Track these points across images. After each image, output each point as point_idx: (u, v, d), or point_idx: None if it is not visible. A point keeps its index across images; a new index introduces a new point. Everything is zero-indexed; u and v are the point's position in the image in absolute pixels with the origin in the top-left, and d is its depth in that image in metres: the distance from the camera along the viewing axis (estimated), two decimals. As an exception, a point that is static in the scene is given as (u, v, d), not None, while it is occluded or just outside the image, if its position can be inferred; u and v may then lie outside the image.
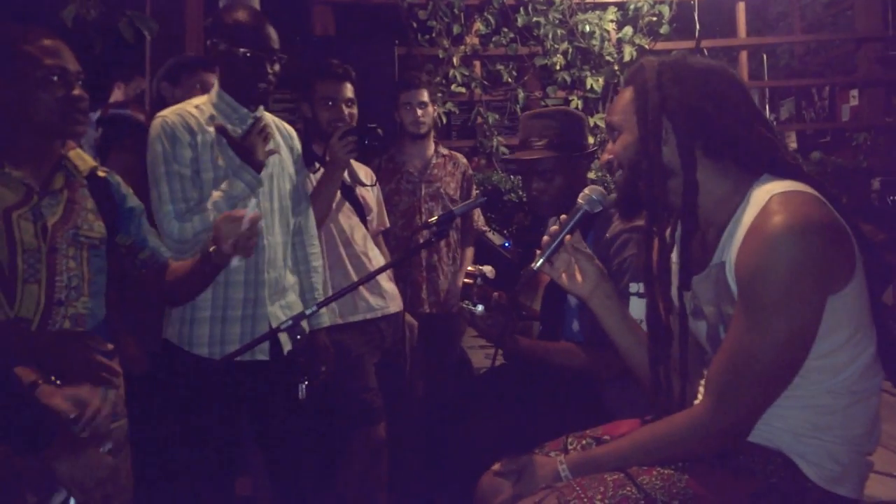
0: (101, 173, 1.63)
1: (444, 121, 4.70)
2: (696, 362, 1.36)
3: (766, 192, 1.17)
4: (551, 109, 2.11)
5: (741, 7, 5.01)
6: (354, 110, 2.44)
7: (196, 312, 1.86)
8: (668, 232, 1.31)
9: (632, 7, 4.66)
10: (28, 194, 1.47)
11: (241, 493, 2.31)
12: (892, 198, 3.69)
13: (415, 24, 4.54)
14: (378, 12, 4.68)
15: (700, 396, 1.34)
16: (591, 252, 1.39)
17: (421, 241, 2.44)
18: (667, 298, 1.31)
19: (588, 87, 4.62)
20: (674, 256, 1.33)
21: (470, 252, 3.08)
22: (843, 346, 1.17)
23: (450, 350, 2.98)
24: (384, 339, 2.50)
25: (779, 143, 1.27)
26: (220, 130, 1.85)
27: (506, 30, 4.64)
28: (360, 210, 2.54)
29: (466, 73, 4.60)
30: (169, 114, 1.87)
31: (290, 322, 1.42)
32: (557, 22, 4.61)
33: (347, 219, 2.49)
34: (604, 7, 4.67)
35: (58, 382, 1.37)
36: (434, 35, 4.56)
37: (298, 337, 1.46)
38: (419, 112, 2.89)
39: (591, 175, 4.45)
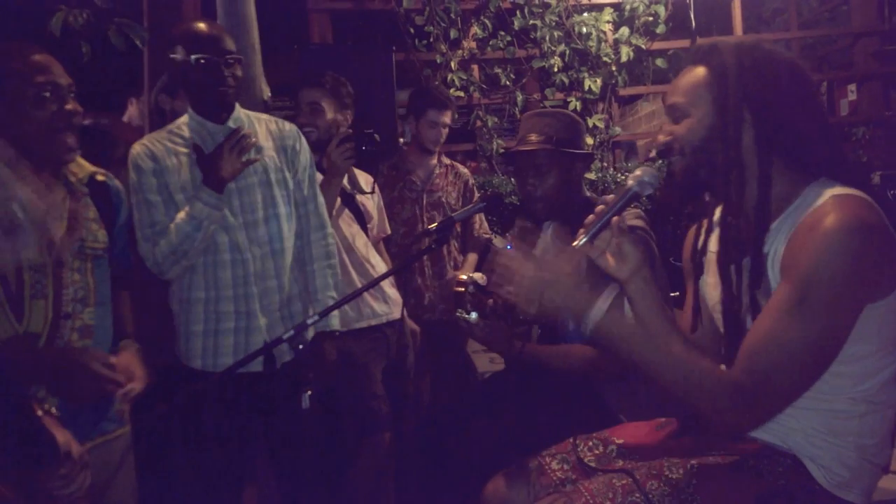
0: (100, 177, 1.64)
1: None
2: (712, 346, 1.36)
3: (823, 193, 1.17)
4: (551, 110, 2.13)
5: (737, 4, 5.01)
6: (344, 116, 2.47)
7: (190, 326, 1.91)
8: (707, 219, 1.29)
9: (628, 7, 4.67)
10: None
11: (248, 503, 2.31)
12: (891, 192, 3.68)
13: (412, 30, 4.55)
14: (375, 19, 4.69)
15: None
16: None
17: (422, 248, 2.44)
18: (728, 282, 1.29)
19: (586, 88, 4.62)
20: (710, 244, 1.32)
21: (472, 258, 3.08)
22: (869, 355, 1.17)
23: (454, 356, 2.99)
24: (389, 345, 2.50)
25: (842, 149, 1.27)
26: (195, 149, 1.88)
27: (503, 33, 4.65)
28: (361, 217, 2.55)
29: (465, 77, 4.60)
30: (137, 144, 1.91)
31: (291, 332, 1.42)
32: (554, 24, 4.62)
33: (349, 226, 2.49)
34: (600, 8, 4.68)
35: (52, 411, 1.37)
36: (431, 40, 4.58)
37: (301, 347, 1.45)
38: (443, 132, 2.97)
39: (591, 175, 4.46)
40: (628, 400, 1.79)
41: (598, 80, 4.62)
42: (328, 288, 2.07)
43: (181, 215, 1.82)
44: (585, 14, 4.65)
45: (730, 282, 1.27)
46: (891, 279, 1.14)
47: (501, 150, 4.54)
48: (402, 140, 2.30)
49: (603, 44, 4.64)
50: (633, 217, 1.79)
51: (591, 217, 1.28)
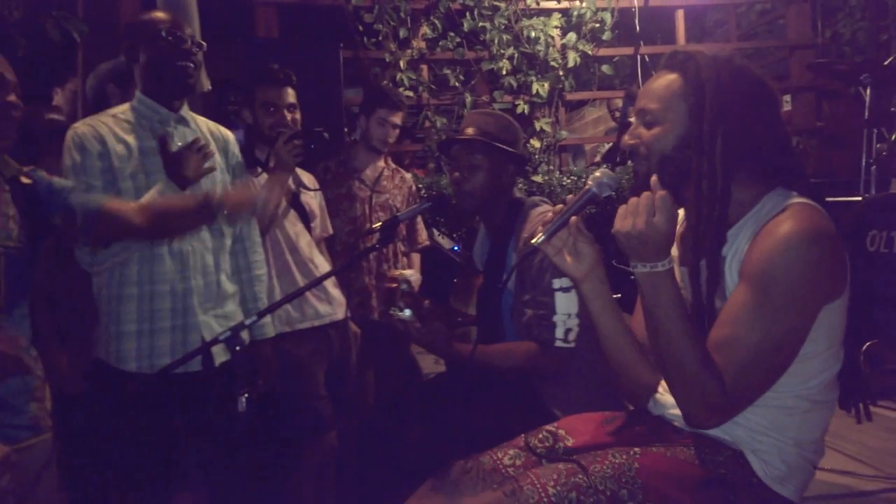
0: (24, 180, 1.56)
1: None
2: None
3: (781, 201, 1.23)
4: (494, 111, 2.14)
5: (680, 14, 5.15)
6: (297, 115, 2.40)
7: (122, 326, 1.79)
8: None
9: (575, 14, 4.74)
10: None
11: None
12: (823, 198, 3.84)
13: (361, 27, 4.51)
14: (323, 14, 4.63)
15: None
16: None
17: (367, 247, 2.42)
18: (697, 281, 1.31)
19: (534, 91, 4.68)
20: (673, 250, 1.35)
21: (417, 258, 3.10)
22: (817, 355, 1.22)
23: (399, 357, 2.97)
24: (332, 345, 2.46)
25: (800, 162, 1.32)
26: (160, 141, 1.80)
27: (452, 34, 4.66)
28: (305, 217, 2.50)
29: (413, 77, 4.59)
30: (81, 125, 1.82)
31: (228, 333, 1.37)
32: (503, 27, 4.65)
33: (293, 225, 2.44)
34: (548, 13, 4.74)
35: None
36: (380, 38, 4.55)
37: (237, 348, 1.40)
38: (392, 132, 2.95)
39: (538, 179, 4.51)
40: (567, 397, 1.81)
41: (546, 84, 4.68)
42: (262, 296, 2.07)
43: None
44: (534, 18, 4.70)
45: (690, 284, 1.30)
46: (842, 283, 1.21)
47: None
48: (351, 137, 2.30)
49: (551, 48, 4.70)
50: None
51: (549, 215, 1.31)
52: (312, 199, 2.58)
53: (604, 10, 4.75)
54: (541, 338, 1.81)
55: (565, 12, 4.77)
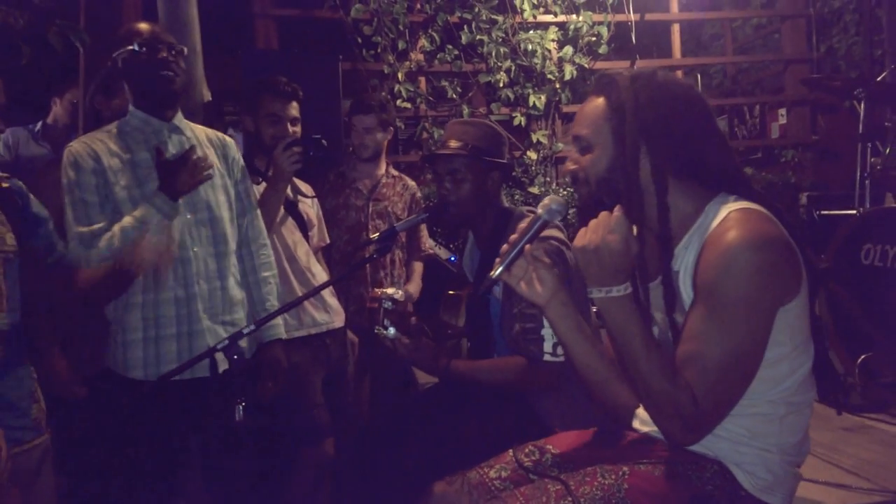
0: (3, 184, 1.58)
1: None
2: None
3: (723, 209, 1.24)
4: (474, 119, 2.15)
5: (676, 29, 5.20)
6: (298, 129, 2.42)
7: (128, 335, 1.81)
8: None
9: (572, 27, 4.78)
10: None
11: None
12: (818, 212, 3.86)
13: (359, 40, 4.54)
14: (322, 26, 4.66)
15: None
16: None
17: (364, 256, 2.42)
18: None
19: (531, 104, 4.71)
20: None
21: (418, 267, 3.08)
22: (785, 357, 1.22)
23: (394, 367, 2.97)
24: (330, 354, 2.47)
25: (737, 165, 1.33)
26: (156, 151, 1.82)
27: (450, 47, 4.69)
28: (303, 225, 2.51)
29: (412, 89, 4.62)
30: (76, 143, 1.85)
31: (226, 342, 1.38)
32: (500, 40, 4.69)
33: (291, 234, 2.46)
34: (545, 27, 4.78)
35: None
36: (379, 51, 4.58)
37: (235, 357, 1.41)
38: (365, 137, 2.92)
39: (534, 190, 4.53)
40: (561, 411, 1.80)
41: (543, 97, 4.71)
42: (270, 298, 2.06)
43: (128, 219, 1.75)
44: (531, 32, 4.74)
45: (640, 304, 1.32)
46: (795, 282, 1.21)
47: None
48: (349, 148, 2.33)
49: (548, 61, 4.73)
50: (551, 228, 1.82)
51: (505, 246, 1.33)
52: (310, 208, 2.59)
53: (600, 23, 4.79)
54: (529, 352, 1.80)
55: (562, 26, 4.81)
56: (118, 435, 1.81)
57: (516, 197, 4.52)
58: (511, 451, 1.46)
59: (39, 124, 3.61)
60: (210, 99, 3.10)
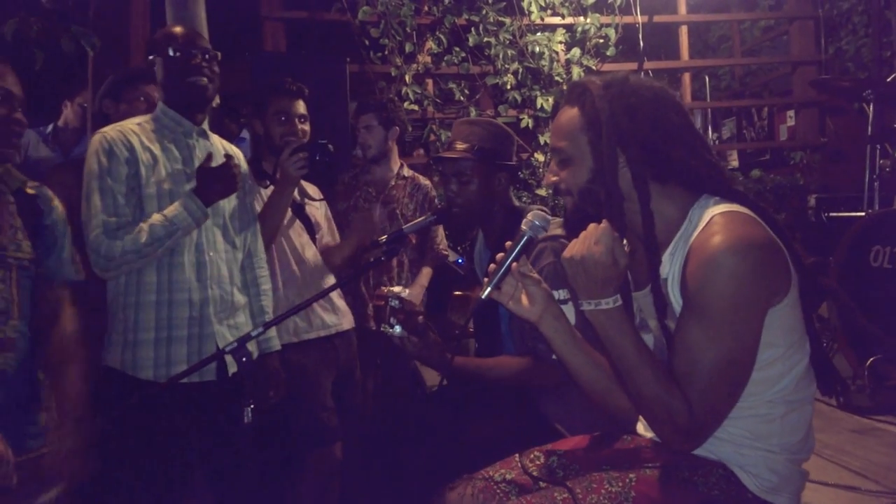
0: (29, 190, 1.58)
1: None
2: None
3: (707, 213, 1.23)
4: (481, 119, 2.15)
5: (684, 31, 5.19)
6: (307, 127, 2.43)
7: (139, 335, 1.80)
8: None
9: (579, 29, 4.78)
10: None
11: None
12: (826, 214, 3.85)
13: (367, 42, 4.56)
14: (330, 29, 4.68)
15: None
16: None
17: (371, 259, 2.43)
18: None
19: (538, 106, 4.71)
20: None
21: (427, 271, 3.05)
22: (779, 357, 1.22)
23: (401, 368, 2.97)
24: (339, 356, 2.47)
25: (718, 165, 1.32)
26: (208, 156, 1.87)
27: (457, 49, 4.70)
28: (311, 228, 2.52)
29: (419, 91, 4.63)
30: (109, 130, 1.85)
31: (234, 344, 1.39)
32: (508, 42, 4.69)
33: (298, 236, 2.47)
34: (553, 29, 4.78)
35: None
36: (386, 53, 4.59)
37: (244, 359, 1.42)
38: (367, 136, 2.95)
39: (542, 192, 4.52)
40: (565, 411, 1.81)
41: (550, 99, 4.71)
42: (268, 311, 2.09)
43: (157, 217, 1.76)
44: (539, 34, 4.74)
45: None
46: (783, 282, 1.20)
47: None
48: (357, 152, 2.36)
49: (555, 63, 4.73)
50: (556, 226, 1.83)
51: (492, 266, 1.34)
52: (317, 210, 2.60)
53: (608, 25, 4.79)
54: (536, 351, 1.81)
55: (570, 28, 4.81)
56: (125, 436, 1.81)
57: (524, 199, 4.52)
58: (517, 456, 1.46)
59: (51, 127, 3.65)
60: (219, 102, 3.11)
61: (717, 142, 6.68)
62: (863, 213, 3.30)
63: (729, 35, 7.31)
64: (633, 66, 4.90)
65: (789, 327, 1.22)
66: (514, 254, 1.32)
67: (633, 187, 1.27)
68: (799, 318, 1.24)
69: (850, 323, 3.10)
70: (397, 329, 1.77)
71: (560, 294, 1.80)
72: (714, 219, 1.20)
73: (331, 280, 2.49)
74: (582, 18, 4.79)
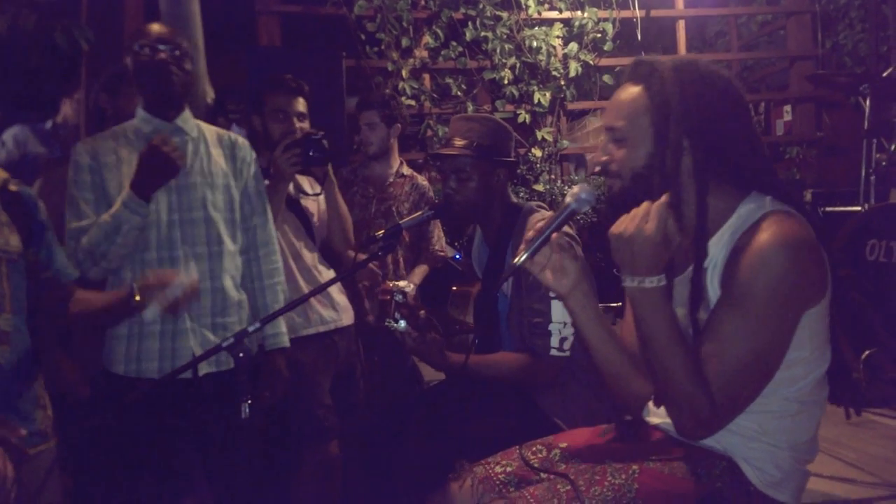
0: (12, 187, 1.58)
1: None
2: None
3: (756, 209, 1.22)
4: (479, 115, 2.14)
5: (681, 25, 5.19)
6: (306, 125, 2.41)
7: (114, 330, 1.84)
8: None
9: (577, 24, 4.78)
10: None
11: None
12: (822, 209, 3.85)
13: (363, 37, 4.54)
14: (325, 23, 4.67)
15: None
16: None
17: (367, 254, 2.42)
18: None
19: (536, 101, 4.70)
20: None
21: (422, 269, 3.02)
22: (803, 359, 1.22)
23: (399, 364, 2.97)
24: (338, 352, 2.46)
25: (771, 164, 1.32)
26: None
27: (454, 43, 4.69)
28: (307, 222, 2.51)
29: (416, 86, 4.62)
30: (80, 143, 1.89)
31: (231, 339, 1.38)
32: (505, 37, 4.68)
33: (294, 232, 2.45)
34: (550, 23, 4.77)
35: None
36: (383, 47, 4.58)
37: (241, 355, 1.41)
38: (368, 133, 2.94)
39: (539, 188, 4.53)
40: (564, 406, 1.81)
41: (548, 94, 4.71)
42: (276, 306, 2.03)
43: (104, 215, 1.78)
44: (536, 28, 4.73)
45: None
46: (822, 286, 1.21)
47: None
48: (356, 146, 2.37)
49: (552, 58, 4.73)
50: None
51: (531, 233, 1.30)
52: (313, 203, 2.58)
53: (605, 20, 4.78)
54: (535, 346, 1.81)
55: (567, 22, 4.80)
56: (118, 434, 1.82)
57: (521, 194, 4.52)
58: (517, 448, 1.46)
59: (49, 123, 3.63)
60: (213, 97, 3.10)
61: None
62: (859, 208, 3.31)
63: (726, 30, 7.30)
64: (631, 60, 4.91)
65: (817, 332, 1.23)
66: (555, 223, 1.28)
67: (691, 177, 1.24)
68: (826, 325, 1.25)
69: (847, 316, 3.11)
70: (402, 324, 1.77)
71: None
72: (766, 216, 1.20)
73: (329, 275, 2.48)
74: (579, 13, 4.78)
